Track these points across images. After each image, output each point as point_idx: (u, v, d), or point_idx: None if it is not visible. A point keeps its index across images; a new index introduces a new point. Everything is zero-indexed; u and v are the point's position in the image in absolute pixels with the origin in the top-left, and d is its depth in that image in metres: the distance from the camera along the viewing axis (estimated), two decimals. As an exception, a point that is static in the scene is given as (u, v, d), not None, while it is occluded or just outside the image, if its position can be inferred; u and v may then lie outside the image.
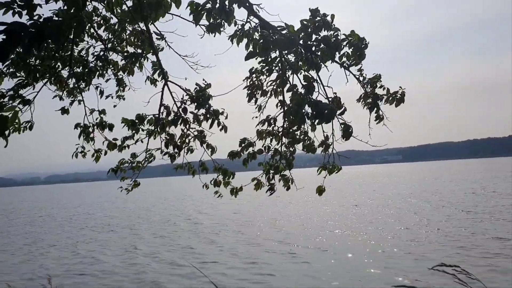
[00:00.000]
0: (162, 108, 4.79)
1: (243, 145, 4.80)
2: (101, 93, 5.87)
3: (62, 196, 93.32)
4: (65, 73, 5.63)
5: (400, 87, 4.22)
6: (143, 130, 4.90)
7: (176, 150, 4.97)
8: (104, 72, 5.61)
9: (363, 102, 4.41)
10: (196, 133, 4.97)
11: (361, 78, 4.39)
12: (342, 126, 4.12)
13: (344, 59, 4.06)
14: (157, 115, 4.84)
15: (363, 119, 4.47)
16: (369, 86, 4.34)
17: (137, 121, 4.77)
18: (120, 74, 5.80)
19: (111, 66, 5.58)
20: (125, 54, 5.48)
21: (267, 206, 33.30)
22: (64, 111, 5.99)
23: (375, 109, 4.32)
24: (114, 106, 5.17)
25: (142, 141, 4.96)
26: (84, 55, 5.66)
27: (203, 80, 4.79)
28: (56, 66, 5.38)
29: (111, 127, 5.60)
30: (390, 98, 4.18)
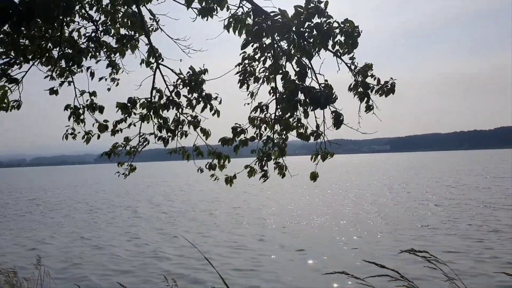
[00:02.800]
0: (154, 91, 4.78)
1: (235, 132, 4.82)
2: (92, 74, 5.81)
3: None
4: (56, 53, 5.56)
5: (391, 77, 4.27)
6: (135, 114, 4.88)
7: (169, 134, 4.97)
8: (97, 53, 5.54)
9: (354, 91, 4.46)
10: (190, 118, 4.97)
11: (352, 67, 4.42)
12: (333, 114, 4.17)
13: (337, 47, 4.08)
14: (149, 99, 4.83)
15: (353, 108, 4.52)
16: (360, 76, 4.38)
17: (129, 104, 4.74)
18: (113, 56, 5.73)
19: (104, 48, 5.51)
20: (118, 36, 5.41)
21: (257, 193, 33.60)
22: (53, 91, 5.92)
23: (366, 98, 4.37)
24: (108, 89, 5.13)
25: (135, 125, 4.95)
26: (76, 36, 5.58)
27: (203, 65, 4.79)
28: (47, 46, 5.30)
29: (101, 109, 5.57)
30: (381, 88, 4.24)
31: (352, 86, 4.43)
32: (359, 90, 4.35)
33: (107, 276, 11.47)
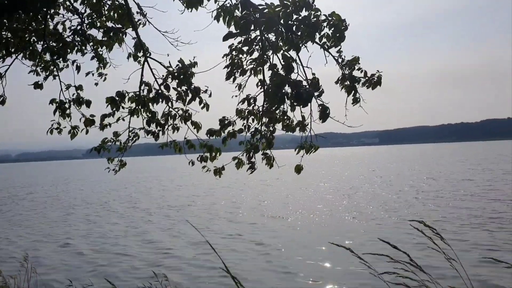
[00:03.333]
0: (143, 85, 4.74)
1: (222, 124, 4.82)
2: (78, 68, 5.72)
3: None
4: (40, 47, 5.46)
5: (378, 70, 4.31)
6: (123, 108, 4.84)
7: (159, 128, 4.95)
8: (83, 47, 5.46)
9: (341, 84, 4.48)
10: (180, 112, 4.95)
11: (340, 60, 4.44)
12: (320, 107, 4.19)
13: (324, 40, 4.09)
14: (138, 93, 4.78)
15: (341, 101, 4.55)
16: (347, 69, 4.40)
17: (117, 98, 4.69)
18: (100, 50, 5.65)
19: (90, 41, 5.43)
20: (104, 29, 5.34)
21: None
22: (38, 85, 5.82)
23: (353, 91, 4.41)
24: (96, 84, 5.05)
25: (123, 119, 4.90)
26: (61, 29, 5.49)
27: (193, 57, 4.76)
28: (31, 39, 5.21)
29: (88, 103, 5.50)
30: (367, 81, 4.27)
31: (339, 79, 4.45)
32: (346, 83, 4.38)
33: (96, 272, 11.42)
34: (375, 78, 4.27)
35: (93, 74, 5.69)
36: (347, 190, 29.11)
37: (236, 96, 4.72)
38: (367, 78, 4.27)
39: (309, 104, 4.12)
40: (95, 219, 21.26)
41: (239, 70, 4.61)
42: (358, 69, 4.34)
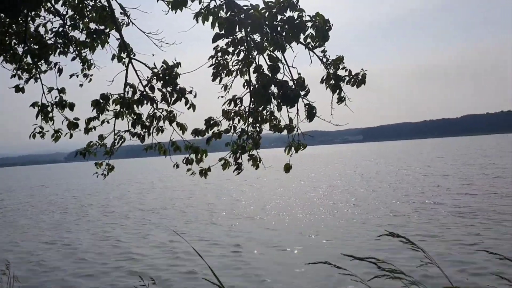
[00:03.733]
0: (128, 87, 4.69)
1: (208, 124, 4.82)
2: (60, 71, 5.63)
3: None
4: (21, 50, 5.35)
5: (362, 69, 4.38)
6: (108, 110, 4.78)
7: (144, 130, 4.90)
8: (66, 49, 5.37)
9: (326, 84, 4.54)
10: (165, 113, 4.92)
11: (324, 60, 4.50)
12: (307, 107, 4.23)
13: (309, 40, 4.14)
14: (123, 94, 4.74)
15: (326, 100, 4.61)
16: (332, 68, 4.46)
17: (102, 100, 4.63)
18: (83, 52, 5.56)
19: (73, 43, 5.35)
20: (87, 31, 5.26)
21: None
22: (19, 89, 5.70)
23: (338, 90, 4.46)
24: (81, 85, 4.97)
25: (108, 122, 4.85)
26: (42, 32, 5.39)
27: (174, 58, 4.74)
28: (11, 42, 5.10)
29: (71, 106, 5.41)
30: (352, 79, 4.33)
31: (324, 78, 4.51)
32: (331, 82, 4.44)
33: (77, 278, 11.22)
34: (360, 77, 4.33)
35: (77, 76, 5.60)
36: (326, 188, 29.31)
37: (222, 96, 4.73)
38: (351, 76, 4.34)
39: (294, 107, 4.17)
40: (69, 226, 20.70)
41: (225, 71, 4.63)
42: (343, 68, 4.40)
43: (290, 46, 4.10)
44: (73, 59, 5.62)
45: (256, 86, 4.28)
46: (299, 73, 4.26)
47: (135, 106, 4.91)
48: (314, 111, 4.17)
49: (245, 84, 4.53)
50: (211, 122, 4.80)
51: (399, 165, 48.72)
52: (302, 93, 4.08)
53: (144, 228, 18.10)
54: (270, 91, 4.09)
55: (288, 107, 4.15)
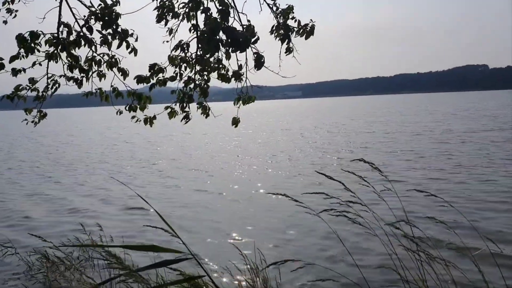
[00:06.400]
0: (62, 26, 4.27)
1: (152, 70, 4.61)
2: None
3: None
4: None
5: (311, 19, 4.39)
6: (39, 51, 4.34)
7: (82, 75, 4.56)
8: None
9: (275, 34, 4.50)
10: (106, 57, 4.59)
11: (274, 8, 4.43)
12: (255, 55, 4.20)
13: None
14: (56, 34, 4.32)
15: (273, 53, 4.60)
16: (281, 17, 4.42)
17: (29, 38, 4.15)
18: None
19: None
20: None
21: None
22: None
23: (286, 40, 4.46)
24: (5, 22, 4.40)
25: (40, 64, 4.42)
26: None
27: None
28: None
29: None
30: (301, 30, 4.34)
31: (274, 28, 4.46)
32: (280, 32, 4.41)
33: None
34: (308, 28, 4.35)
35: (-1, 10, 4.98)
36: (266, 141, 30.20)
37: (167, 41, 4.51)
38: (300, 27, 4.34)
39: (244, 51, 4.10)
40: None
41: (170, 14, 4.38)
42: (292, 18, 4.38)
43: (240, -9, 3.97)
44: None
45: (204, 30, 4.13)
46: (248, 20, 4.18)
47: (71, 48, 4.52)
48: (262, 60, 4.15)
49: (192, 28, 4.35)
50: (156, 68, 4.60)
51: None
52: (253, 39, 4.02)
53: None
54: (218, 37, 3.97)
55: (238, 52, 4.07)
